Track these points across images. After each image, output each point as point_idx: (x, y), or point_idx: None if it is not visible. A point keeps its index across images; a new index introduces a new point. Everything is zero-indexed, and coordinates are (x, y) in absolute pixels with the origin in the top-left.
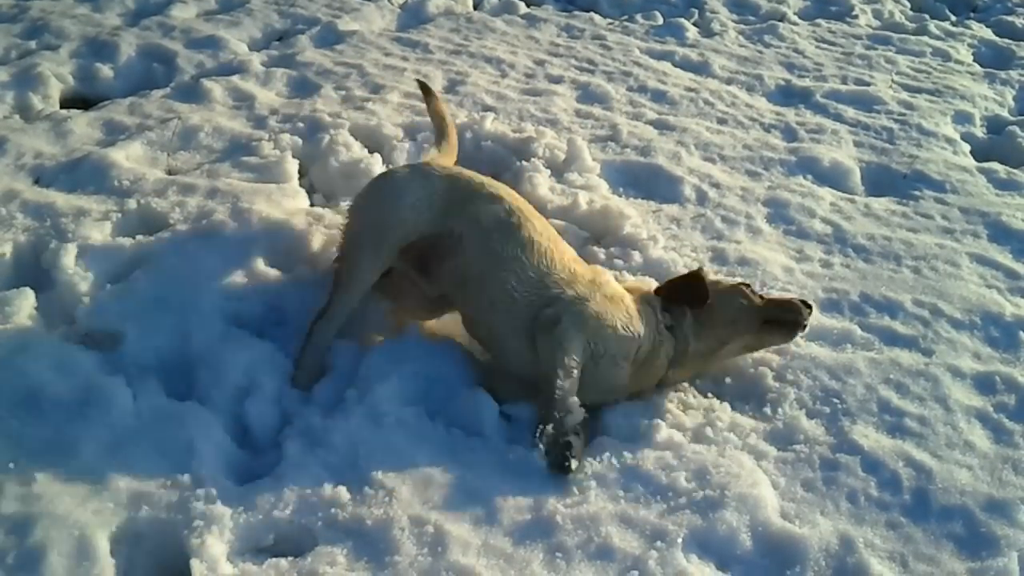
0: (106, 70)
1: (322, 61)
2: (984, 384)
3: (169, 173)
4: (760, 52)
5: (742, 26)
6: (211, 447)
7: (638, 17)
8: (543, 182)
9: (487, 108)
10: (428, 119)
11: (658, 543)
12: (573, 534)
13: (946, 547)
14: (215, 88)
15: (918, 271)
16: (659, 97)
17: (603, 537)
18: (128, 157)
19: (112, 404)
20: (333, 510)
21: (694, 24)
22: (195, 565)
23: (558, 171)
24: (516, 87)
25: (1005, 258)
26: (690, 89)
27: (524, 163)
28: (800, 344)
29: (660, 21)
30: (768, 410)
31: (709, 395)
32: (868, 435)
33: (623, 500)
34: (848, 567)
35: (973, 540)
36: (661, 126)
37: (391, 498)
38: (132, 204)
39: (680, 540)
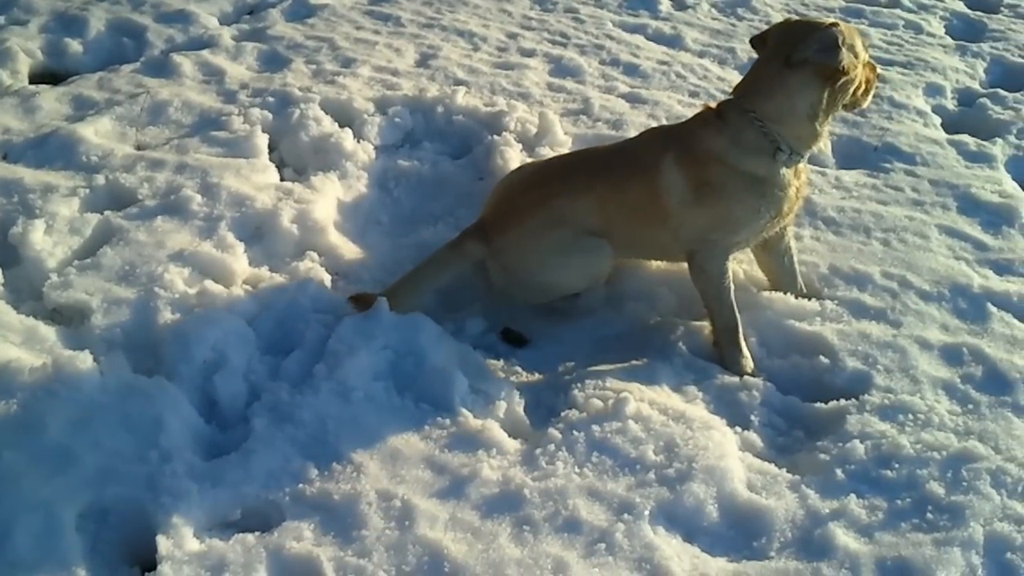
0: (75, 45)
1: (293, 35)
2: (952, 355)
3: (138, 148)
4: (733, 25)
5: None
6: (178, 422)
7: None
8: (514, 156)
9: (459, 82)
10: (399, 93)
11: (625, 515)
12: (541, 507)
13: (911, 518)
14: (185, 63)
15: (887, 243)
16: (631, 70)
17: (570, 510)
18: (97, 132)
19: (79, 380)
20: (300, 485)
21: None
22: (161, 541)
23: (529, 145)
24: (488, 61)
25: (974, 230)
26: (662, 62)
27: (495, 137)
28: (771, 317)
29: None
30: (738, 383)
31: (679, 368)
32: (836, 408)
33: (591, 473)
34: (814, 538)
35: (938, 511)
36: (633, 99)
37: (359, 473)
38: (100, 180)
39: (647, 512)
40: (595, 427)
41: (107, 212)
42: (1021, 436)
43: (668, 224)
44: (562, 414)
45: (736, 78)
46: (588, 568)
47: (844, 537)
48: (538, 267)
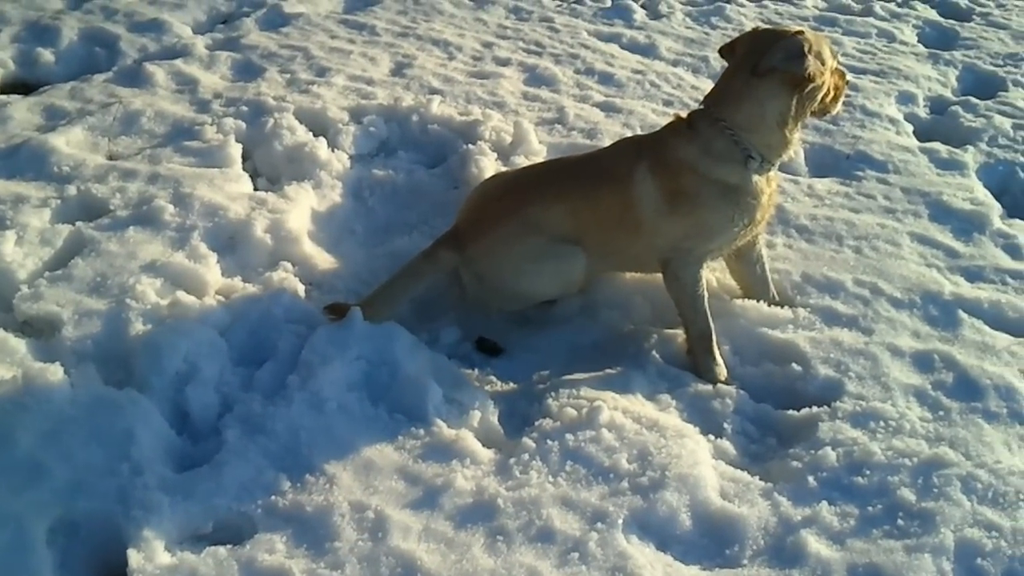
0: (47, 55)
1: (267, 44)
2: (923, 362)
3: (110, 159)
4: (707, 34)
5: (689, 8)
6: (150, 434)
7: None
8: (489, 165)
9: (434, 91)
10: (374, 102)
11: (599, 524)
12: (515, 517)
13: (883, 524)
14: (158, 72)
15: (859, 251)
16: (606, 79)
17: (544, 520)
18: (68, 143)
19: (50, 392)
20: (273, 497)
21: (642, 6)
22: (132, 555)
23: (504, 154)
24: (463, 70)
25: (945, 237)
26: (637, 71)
27: (470, 146)
28: (744, 324)
29: (608, 3)
30: (712, 391)
31: (653, 376)
32: (809, 415)
33: (565, 482)
34: (786, 546)
35: (909, 517)
36: (608, 108)
37: (332, 484)
38: (72, 190)
39: (620, 521)
40: (569, 436)
41: (78, 223)
42: (991, 442)
43: (641, 233)
44: (536, 423)
45: (710, 87)
46: None
47: (816, 544)
48: (512, 275)
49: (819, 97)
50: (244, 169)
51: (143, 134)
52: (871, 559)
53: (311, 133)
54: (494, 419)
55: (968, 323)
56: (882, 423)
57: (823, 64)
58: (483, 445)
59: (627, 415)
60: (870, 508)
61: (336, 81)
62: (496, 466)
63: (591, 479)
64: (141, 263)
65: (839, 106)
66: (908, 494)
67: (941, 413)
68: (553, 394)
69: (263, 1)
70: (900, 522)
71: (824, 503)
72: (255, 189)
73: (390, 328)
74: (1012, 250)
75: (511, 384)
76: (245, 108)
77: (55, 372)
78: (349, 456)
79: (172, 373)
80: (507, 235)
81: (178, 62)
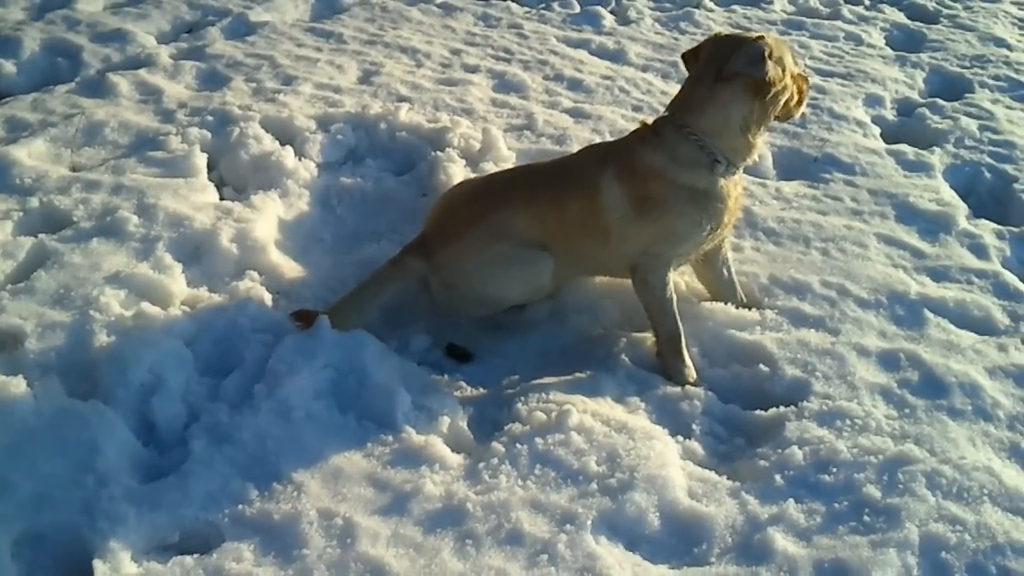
0: (9, 66)
1: (233, 53)
2: (889, 361)
3: (73, 170)
4: (676, 39)
5: (658, 13)
6: (115, 446)
7: (555, 5)
8: (458, 172)
9: (402, 99)
10: (342, 110)
11: (567, 526)
12: (484, 521)
13: (849, 521)
14: (121, 82)
15: (826, 252)
16: (575, 85)
17: (513, 523)
18: (30, 154)
19: (13, 405)
20: (240, 506)
21: (611, 12)
22: (98, 566)
23: (473, 161)
24: (432, 77)
25: (911, 238)
26: (606, 77)
27: (439, 153)
28: (712, 327)
29: (577, 9)
30: (680, 393)
31: (622, 379)
32: (776, 415)
33: (534, 486)
34: (753, 543)
35: (875, 513)
36: (577, 114)
37: (299, 492)
38: (34, 202)
39: (589, 522)
40: (538, 440)
41: (41, 235)
42: (956, 439)
43: (609, 239)
44: (506, 428)
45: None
46: None
47: (783, 541)
48: (479, 281)
49: (782, 101)
50: (210, 179)
51: (106, 145)
52: (837, 555)
53: (278, 142)
54: (464, 424)
55: (934, 322)
56: (848, 422)
57: (784, 69)
58: (452, 450)
59: (596, 418)
60: (836, 505)
61: (303, 89)
62: (465, 471)
63: (560, 482)
64: (105, 274)
65: (802, 110)
66: (874, 491)
67: (907, 411)
68: (523, 398)
69: (228, 10)
70: (866, 518)
71: (791, 501)
72: (221, 199)
73: (358, 336)
74: (978, 250)
75: (481, 389)
76: (210, 118)
77: (18, 385)
78: (317, 464)
79: (137, 384)
80: (474, 241)
81: (142, 72)
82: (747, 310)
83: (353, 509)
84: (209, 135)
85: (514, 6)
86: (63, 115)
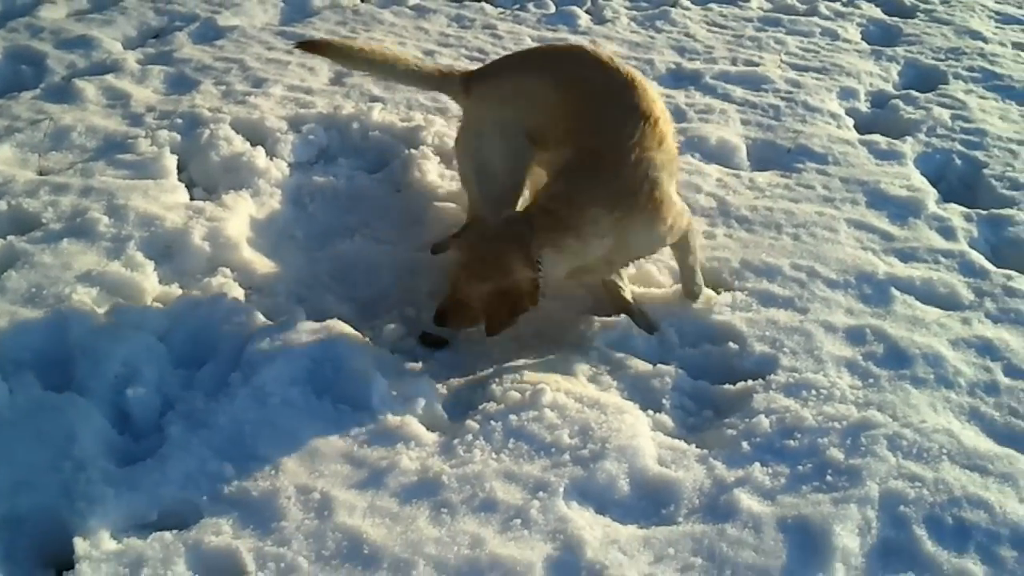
0: None
1: (201, 57)
2: (855, 336)
3: (40, 174)
4: (652, 37)
5: (634, 12)
6: (91, 434)
7: (530, 6)
8: (432, 169)
9: (375, 99)
10: (313, 111)
11: (540, 493)
12: (458, 491)
13: (812, 481)
14: (88, 88)
15: (797, 238)
16: None
17: (487, 492)
18: None
19: None
20: (218, 485)
21: (586, 12)
22: (78, 542)
23: (448, 158)
24: None
25: (881, 222)
26: None
27: (412, 151)
28: (682, 309)
29: (552, 9)
30: (651, 371)
31: (595, 360)
32: (744, 388)
33: (508, 458)
34: (719, 504)
35: (837, 473)
36: None
37: (277, 471)
38: (2, 206)
39: (561, 490)
40: (512, 416)
41: (10, 237)
42: (918, 404)
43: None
44: (480, 407)
45: (653, 89)
46: (504, 542)
47: (748, 501)
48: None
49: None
50: (180, 180)
51: (74, 149)
52: (800, 512)
53: (248, 143)
54: (439, 405)
55: (900, 299)
56: (814, 392)
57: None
58: (428, 429)
59: (569, 395)
60: (800, 467)
61: (274, 91)
62: (440, 447)
63: (533, 454)
64: (76, 273)
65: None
66: (837, 453)
67: (871, 381)
68: (497, 380)
69: (195, 15)
70: (828, 478)
71: (756, 464)
72: (191, 199)
73: (333, 326)
74: (946, 232)
75: (456, 373)
76: (180, 120)
77: None
78: (294, 445)
79: (111, 377)
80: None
81: (109, 77)
82: (716, 293)
83: (330, 484)
84: (179, 137)
85: (488, 7)
86: (29, 120)
